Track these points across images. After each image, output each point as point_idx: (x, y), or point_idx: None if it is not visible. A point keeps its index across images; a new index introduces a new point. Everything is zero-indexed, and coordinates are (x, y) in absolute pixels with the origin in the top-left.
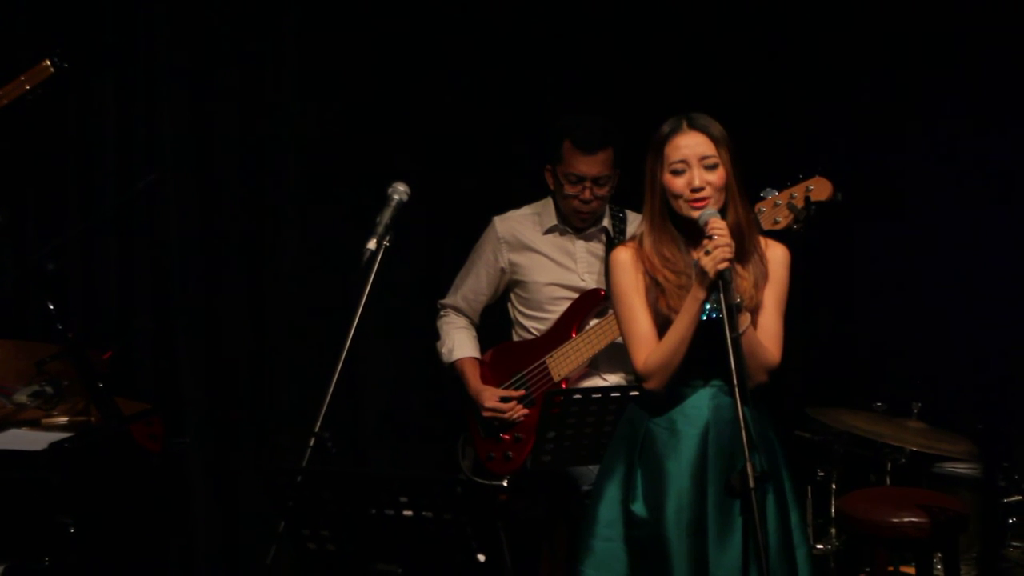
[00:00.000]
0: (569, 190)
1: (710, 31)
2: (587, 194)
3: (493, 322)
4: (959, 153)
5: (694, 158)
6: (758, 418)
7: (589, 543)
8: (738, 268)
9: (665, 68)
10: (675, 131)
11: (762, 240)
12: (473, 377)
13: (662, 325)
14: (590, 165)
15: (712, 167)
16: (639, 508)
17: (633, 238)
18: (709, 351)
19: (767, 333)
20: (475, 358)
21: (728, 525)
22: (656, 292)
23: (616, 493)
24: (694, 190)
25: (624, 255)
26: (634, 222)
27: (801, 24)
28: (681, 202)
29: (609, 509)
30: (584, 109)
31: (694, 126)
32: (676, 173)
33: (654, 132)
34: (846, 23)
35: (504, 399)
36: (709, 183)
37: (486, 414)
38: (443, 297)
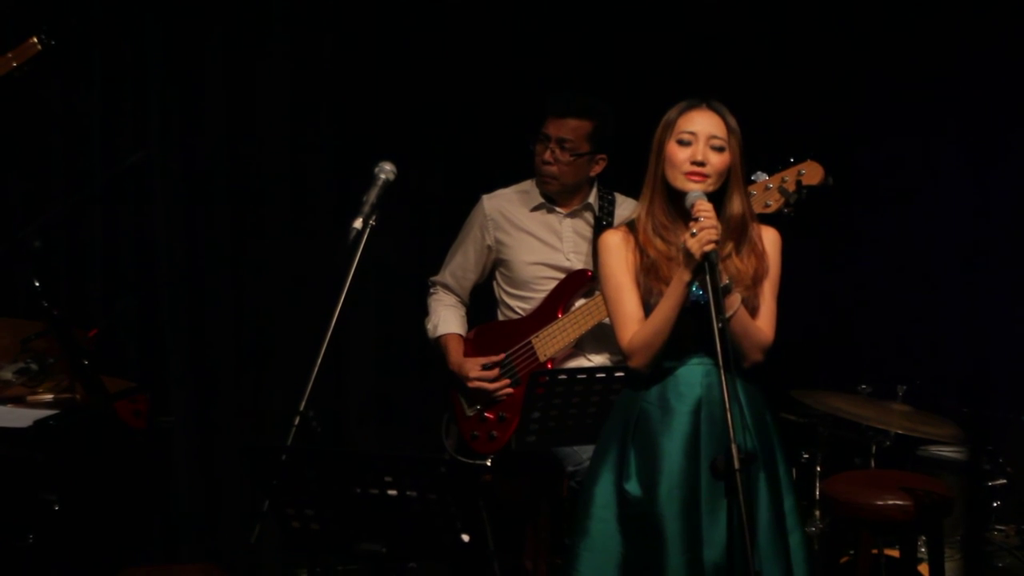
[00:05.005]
0: (537, 148)
1: (705, 16)
2: (548, 155)
3: (480, 302)
4: (950, 133)
5: (703, 135)
6: (754, 398)
7: (585, 524)
8: (736, 261)
9: (655, 52)
10: (692, 107)
11: (754, 226)
12: (455, 352)
13: (655, 302)
14: (558, 127)
15: (718, 149)
16: (632, 487)
17: (622, 224)
18: (702, 328)
19: (761, 314)
20: (459, 335)
21: (721, 503)
22: (646, 267)
23: (610, 474)
24: (694, 163)
25: (614, 237)
26: (623, 205)
27: (800, 10)
28: (678, 173)
29: (604, 490)
30: (577, 87)
31: (712, 107)
32: (682, 143)
33: (668, 109)
34: (846, 13)
35: (487, 366)
36: (710, 162)
37: (472, 384)
38: (432, 275)
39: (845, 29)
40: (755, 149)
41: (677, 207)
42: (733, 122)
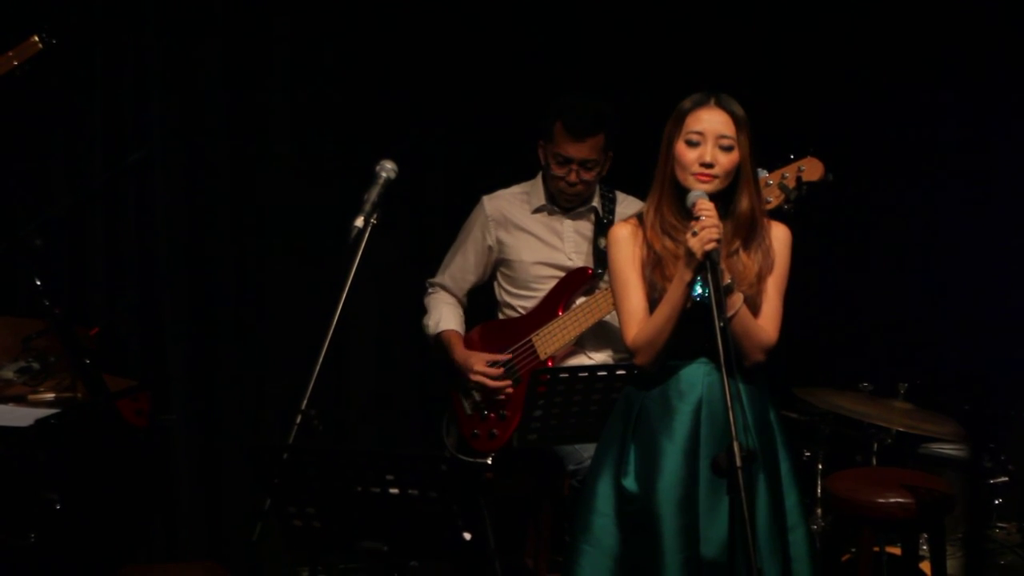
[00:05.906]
0: (556, 171)
1: (707, 11)
2: (572, 176)
3: (480, 302)
4: (950, 131)
5: (712, 134)
6: (756, 397)
7: (586, 520)
8: (743, 258)
9: (658, 48)
10: (700, 104)
11: (765, 222)
12: (459, 346)
13: (659, 298)
14: (577, 149)
15: (727, 148)
16: (630, 483)
17: (632, 216)
18: (705, 327)
19: (764, 312)
20: (459, 332)
21: (719, 502)
22: (653, 263)
23: (611, 469)
24: (703, 165)
25: (623, 231)
26: (623, 203)
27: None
28: (688, 175)
29: (605, 486)
30: (578, 87)
31: (720, 104)
32: (690, 144)
33: (677, 103)
34: (847, 6)
35: (492, 364)
36: (719, 162)
37: (473, 377)
38: (431, 275)
39: (845, 23)
40: (755, 145)
41: (686, 206)
42: (742, 114)
